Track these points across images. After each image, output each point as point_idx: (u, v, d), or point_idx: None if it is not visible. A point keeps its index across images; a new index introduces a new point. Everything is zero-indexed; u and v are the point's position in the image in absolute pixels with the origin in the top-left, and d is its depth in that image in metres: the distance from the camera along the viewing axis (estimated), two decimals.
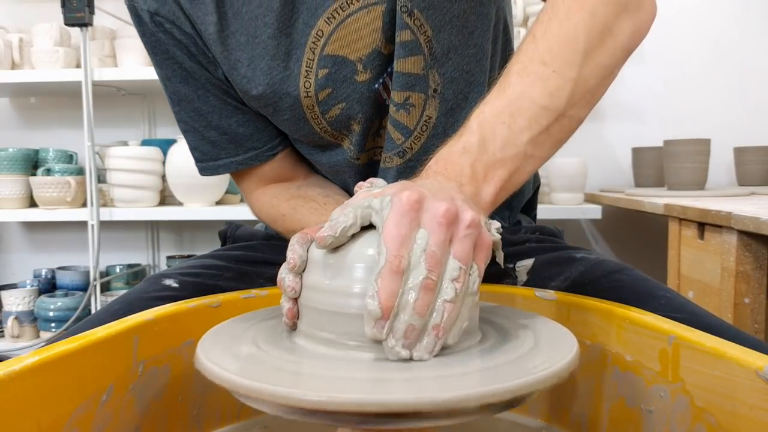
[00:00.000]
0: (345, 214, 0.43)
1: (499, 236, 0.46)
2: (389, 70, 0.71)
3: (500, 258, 0.48)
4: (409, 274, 0.40)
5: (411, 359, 0.41)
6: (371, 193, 0.45)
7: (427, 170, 0.52)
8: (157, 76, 0.77)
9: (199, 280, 0.71)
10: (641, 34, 0.60)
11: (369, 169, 0.80)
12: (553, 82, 0.54)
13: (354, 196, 0.47)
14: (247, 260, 0.79)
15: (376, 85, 0.72)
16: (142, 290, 0.69)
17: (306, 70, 0.70)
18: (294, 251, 0.46)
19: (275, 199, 0.80)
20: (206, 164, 0.79)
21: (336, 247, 0.45)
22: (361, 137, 0.75)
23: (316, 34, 0.69)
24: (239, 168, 0.79)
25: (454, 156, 0.51)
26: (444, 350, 0.42)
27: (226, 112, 0.76)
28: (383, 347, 0.40)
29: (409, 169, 0.75)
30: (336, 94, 0.72)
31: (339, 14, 0.68)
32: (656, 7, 0.61)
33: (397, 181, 0.71)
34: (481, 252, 0.43)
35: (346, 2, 0.67)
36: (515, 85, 0.54)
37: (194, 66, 0.74)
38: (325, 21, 0.68)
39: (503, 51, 0.79)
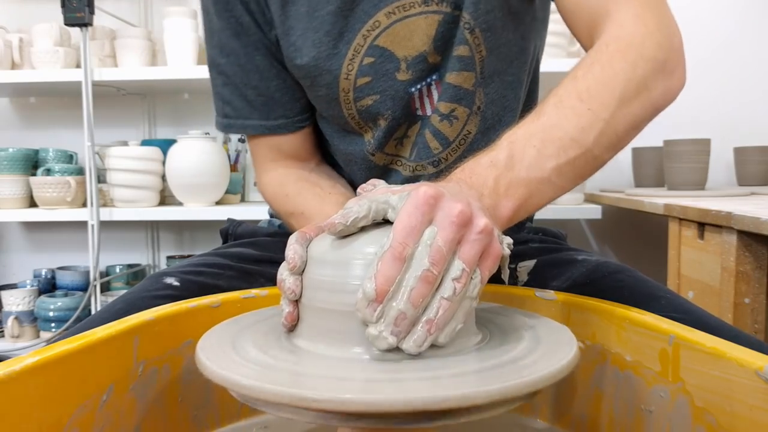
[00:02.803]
0: (360, 205, 0.44)
1: (508, 252, 0.46)
2: (429, 80, 0.75)
3: (505, 275, 0.48)
4: (411, 263, 0.40)
5: (397, 349, 0.40)
6: (391, 189, 0.45)
7: (451, 176, 0.53)
8: (208, 28, 0.79)
9: (201, 279, 0.71)
10: (671, 97, 0.62)
11: (381, 171, 0.81)
12: (587, 119, 0.56)
13: (373, 191, 0.46)
14: (249, 258, 0.79)
15: (413, 89, 0.75)
16: (144, 289, 0.69)
17: (353, 54, 0.73)
18: (294, 251, 0.46)
19: (284, 177, 0.81)
20: (235, 122, 0.81)
21: (342, 237, 0.45)
22: (384, 135, 0.77)
23: (373, 23, 0.72)
24: (266, 132, 0.80)
25: (480, 167, 0.52)
26: (444, 350, 0.42)
27: (269, 74, 0.78)
28: (368, 335, 0.40)
29: (441, 180, 0.76)
30: (373, 85, 0.74)
31: (399, 12, 0.72)
32: (686, 78, 0.63)
33: None
34: (488, 260, 0.43)
35: (408, 3, 0.71)
36: (550, 115, 0.56)
37: (250, 22, 0.76)
38: (385, 15, 0.72)
39: (531, 87, 0.84)
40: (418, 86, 0.75)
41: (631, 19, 0.61)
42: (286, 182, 0.80)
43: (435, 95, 0.76)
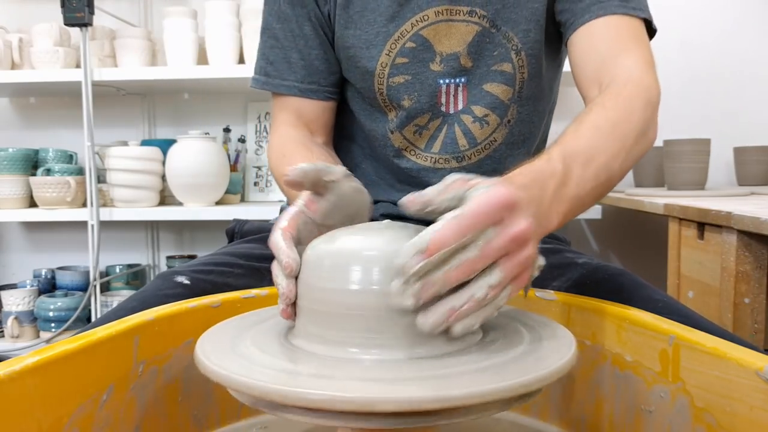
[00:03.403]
0: (448, 199, 0.43)
1: (537, 274, 0.47)
2: (457, 80, 0.83)
3: (527, 291, 0.48)
4: (466, 246, 0.40)
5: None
6: (468, 182, 0.44)
7: (519, 179, 0.51)
8: None
9: (211, 278, 0.72)
10: (651, 144, 0.70)
11: (396, 153, 0.88)
12: (616, 147, 0.61)
13: (449, 179, 0.45)
14: (258, 256, 0.79)
15: (441, 82, 0.83)
16: (156, 288, 0.69)
17: (399, 35, 0.82)
18: (287, 255, 0.46)
19: (287, 138, 0.86)
20: (273, 80, 0.89)
21: (341, 238, 0.46)
22: (406, 116, 0.85)
23: (423, 16, 0.81)
24: (297, 94, 0.88)
25: (544, 176, 0.53)
26: (443, 349, 0.42)
27: (313, 43, 0.87)
28: (393, 286, 0.40)
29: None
30: (408, 67, 0.83)
31: (446, 14, 0.81)
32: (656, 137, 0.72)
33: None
34: (520, 282, 0.44)
35: (456, 10, 0.81)
36: (589, 137, 0.60)
37: None
38: (435, 12, 0.81)
39: (544, 129, 0.94)
40: (447, 81, 0.83)
41: (640, 67, 0.71)
42: (287, 143, 0.85)
43: (461, 97, 0.84)
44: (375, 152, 0.90)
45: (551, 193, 0.52)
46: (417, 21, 0.81)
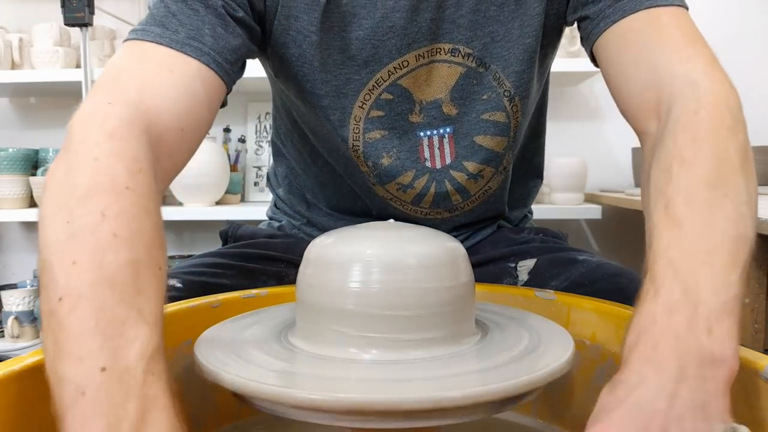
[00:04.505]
0: None
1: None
2: (441, 131, 0.74)
3: None
4: None
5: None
6: None
7: (635, 356, 0.40)
8: None
9: (204, 279, 0.71)
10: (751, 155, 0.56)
11: (383, 203, 0.79)
12: (732, 209, 0.46)
13: None
14: (250, 257, 0.79)
15: (422, 134, 0.74)
16: None
17: (374, 85, 0.71)
18: None
19: (125, 170, 0.46)
20: (176, 35, 0.58)
21: (337, 243, 0.45)
22: (387, 174, 0.75)
23: (402, 62, 0.70)
24: (162, 42, 0.57)
25: (658, 325, 0.40)
26: (442, 350, 0.42)
27: (218, 22, 0.61)
28: None
29: (452, 222, 0.80)
30: (385, 120, 0.73)
31: (427, 56, 0.70)
32: None
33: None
34: None
35: (436, 49, 0.70)
36: (691, 218, 0.45)
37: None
38: (415, 57, 0.70)
39: (539, 150, 0.90)
40: (428, 132, 0.74)
41: (705, 69, 0.58)
42: (135, 191, 0.45)
43: (447, 150, 0.74)
44: (361, 195, 0.81)
45: (685, 329, 0.39)
46: (395, 68, 0.70)
